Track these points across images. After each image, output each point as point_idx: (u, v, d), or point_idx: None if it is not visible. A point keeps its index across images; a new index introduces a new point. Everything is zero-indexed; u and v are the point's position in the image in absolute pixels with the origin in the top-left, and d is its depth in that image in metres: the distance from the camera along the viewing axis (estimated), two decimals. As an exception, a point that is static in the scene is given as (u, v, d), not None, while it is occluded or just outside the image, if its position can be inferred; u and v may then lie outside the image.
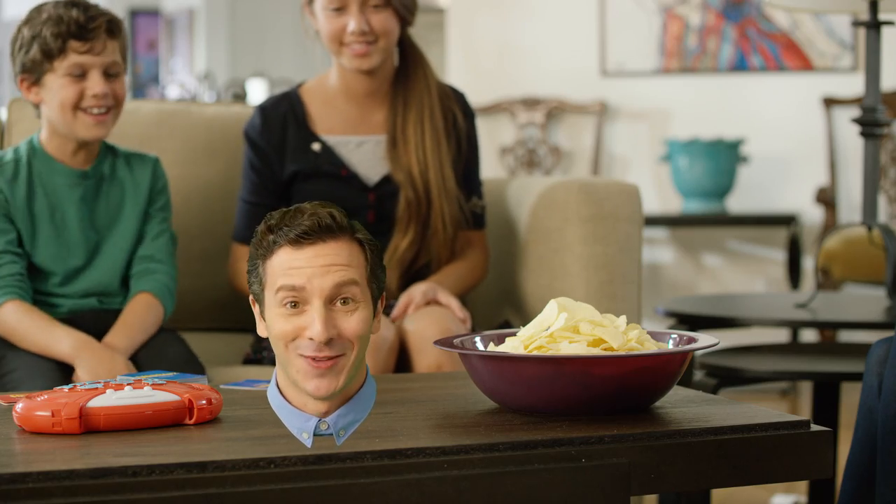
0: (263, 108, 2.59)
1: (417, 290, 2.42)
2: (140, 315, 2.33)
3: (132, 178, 2.42)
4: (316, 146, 2.56)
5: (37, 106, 2.37)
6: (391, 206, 2.55)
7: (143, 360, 2.28)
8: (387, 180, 2.56)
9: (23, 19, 2.34)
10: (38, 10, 2.32)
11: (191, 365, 2.29)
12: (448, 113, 2.58)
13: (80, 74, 2.30)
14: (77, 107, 2.30)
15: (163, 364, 2.24)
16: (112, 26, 2.32)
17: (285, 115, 2.57)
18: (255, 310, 1.62)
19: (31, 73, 2.32)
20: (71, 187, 2.37)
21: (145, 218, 2.42)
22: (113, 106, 2.33)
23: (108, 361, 2.19)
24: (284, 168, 2.56)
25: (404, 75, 2.58)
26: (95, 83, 2.30)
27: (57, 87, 2.30)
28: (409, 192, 2.53)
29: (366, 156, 2.58)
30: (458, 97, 2.62)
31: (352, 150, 2.57)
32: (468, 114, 2.62)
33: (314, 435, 1.53)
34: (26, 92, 2.35)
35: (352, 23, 2.47)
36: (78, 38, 2.28)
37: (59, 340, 2.23)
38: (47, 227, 2.35)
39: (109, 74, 2.32)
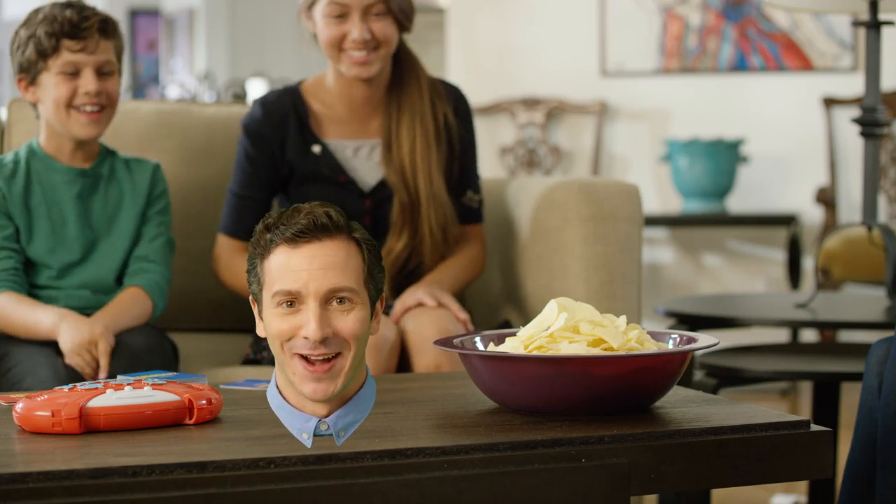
0: (264, 102, 2.58)
1: (421, 294, 2.42)
2: (126, 303, 2.36)
3: (131, 180, 2.44)
4: (316, 149, 2.56)
5: (35, 106, 2.42)
6: (387, 210, 2.56)
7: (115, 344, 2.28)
8: (382, 185, 2.57)
9: (21, 22, 2.39)
10: (35, 11, 2.38)
11: (157, 356, 2.29)
12: (439, 114, 2.57)
13: (74, 73, 2.35)
14: (70, 105, 2.35)
15: (128, 349, 2.25)
16: (106, 26, 2.38)
17: (287, 112, 2.57)
18: (255, 309, 1.62)
19: (28, 73, 2.38)
20: (68, 184, 2.40)
21: (143, 221, 2.44)
22: (107, 105, 2.38)
23: (87, 328, 2.23)
24: (283, 162, 2.55)
25: (399, 80, 2.58)
26: (88, 81, 2.34)
27: (51, 85, 2.35)
28: (402, 195, 2.53)
29: (362, 161, 2.58)
30: (451, 92, 2.62)
31: (349, 155, 2.57)
32: (461, 108, 2.61)
33: (314, 435, 1.53)
34: (24, 91, 2.40)
35: (354, 31, 2.46)
36: (71, 37, 2.34)
37: (41, 317, 2.28)
38: (44, 223, 2.38)
39: (103, 73, 2.37)
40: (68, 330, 2.23)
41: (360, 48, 2.47)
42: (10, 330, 2.31)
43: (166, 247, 2.45)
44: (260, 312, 1.60)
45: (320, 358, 1.55)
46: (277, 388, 1.61)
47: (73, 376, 2.19)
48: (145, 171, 2.47)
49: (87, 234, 2.40)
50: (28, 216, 2.37)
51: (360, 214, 2.55)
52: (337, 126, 2.58)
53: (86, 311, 2.35)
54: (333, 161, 2.55)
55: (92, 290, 2.39)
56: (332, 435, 1.54)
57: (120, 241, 2.41)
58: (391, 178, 2.54)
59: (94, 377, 2.21)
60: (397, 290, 2.52)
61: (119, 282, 2.42)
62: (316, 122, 2.58)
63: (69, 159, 2.41)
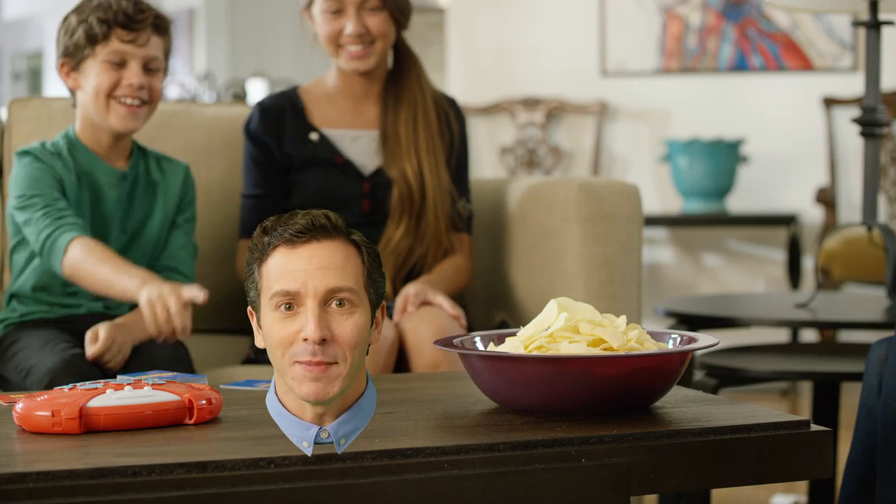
0: (262, 105, 2.65)
1: (409, 292, 2.44)
2: None
3: (164, 183, 2.43)
4: (314, 136, 2.61)
5: (73, 93, 2.39)
6: (385, 196, 2.58)
7: (138, 353, 2.26)
8: (381, 171, 2.59)
9: (73, 8, 2.37)
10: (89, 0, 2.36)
11: (180, 366, 2.27)
12: (441, 113, 2.63)
13: (120, 63, 2.33)
14: (111, 95, 2.33)
15: (154, 361, 2.23)
16: (159, 23, 2.37)
17: (283, 109, 2.63)
18: (253, 321, 1.59)
19: (72, 58, 2.35)
20: (111, 187, 2.38)
21: (172, 226, 2.43)
22: (147, 101, 2.36)
23: (173, 286, 2.15)
24: (283, 155, 2.59)
25: (398, 76, 2.63)
26: (133, 73, 2.32)
27: (95, 72, 2.33)
28: (402, 188, 2.56)
29: (361, 149, 2.62)
30: (451, 102, 2.68)
31: (348, 143, 2.62)
32: (459, 115, 2.68)
33: (314, 443, 1.51)
34: (65, 77, 2.37)
35: (349, 25, 2.53)
36: (123, 27, 2.32)
37: (126, 281, 2.18)
38: (88, 223, 2.35)
39: (149, 69, 2.35)
40: (152, 287, 2.14)
41: (356, 42, 2.54)
42: (82, 280, 2.21)
43: (194, 256, 2.45)
44: (258, 321, 1.57)
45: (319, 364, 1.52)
46: (277, 396, 1.58)
47: (82, 367, 2.13)
48: (177, 174, 2.45)
49: (120, 239, 2.38)
50: (78, 213, 2.33)
51: (359, 198, 2.58)
52: (336, 117, 2.63)
53: (100, 320, 2.32)
54: (330, 145, 2.60)
55: (104, 304, 2.36)
56: (332, 443, 1.52)
57: (145, 246, 2.40)
58: (391, 172, 2.57)
59: (158, 337, 2.16)
60: (398, 286, 2.54)
61: None
62: (313, 115, 2.63)
63: (107, 154, 2.39)
